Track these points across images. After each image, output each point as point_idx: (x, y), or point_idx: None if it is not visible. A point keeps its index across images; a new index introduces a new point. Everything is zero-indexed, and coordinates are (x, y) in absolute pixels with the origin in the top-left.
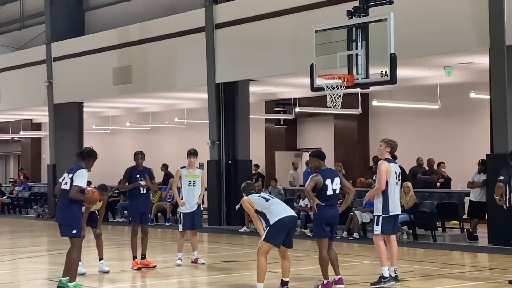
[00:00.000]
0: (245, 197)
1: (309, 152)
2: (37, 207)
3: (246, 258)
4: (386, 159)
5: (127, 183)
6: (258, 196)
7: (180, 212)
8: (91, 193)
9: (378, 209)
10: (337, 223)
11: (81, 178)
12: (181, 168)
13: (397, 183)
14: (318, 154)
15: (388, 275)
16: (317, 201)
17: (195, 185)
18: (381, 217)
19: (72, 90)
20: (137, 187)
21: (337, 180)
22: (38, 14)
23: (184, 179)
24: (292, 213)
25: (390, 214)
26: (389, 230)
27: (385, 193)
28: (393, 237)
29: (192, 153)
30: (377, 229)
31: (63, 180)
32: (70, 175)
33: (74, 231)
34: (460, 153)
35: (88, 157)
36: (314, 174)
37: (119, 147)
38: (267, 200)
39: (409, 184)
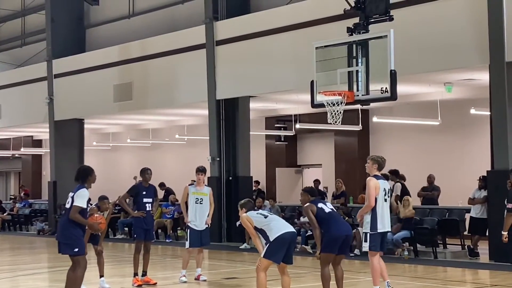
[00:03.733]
0: (244, 214)
1: (303, 188)
2: (37, 224)
3: (247, 275)
4: (375, 176)
5: (131, 197)
6: (257, 213)
7: (188, 229)
8: (97, 220)
9: (366, 226)
10: (350, 239)
11: (81, 198)
12: (189, 185)
13: (385, 200)
14: (309, 191)
15: None
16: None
17: (202, 203)
18: (368, 233)
19: (73, 106)
20: (141, 205)
21: (328, 203)
22: (39, 31)
23: (191, 196)
24: (291, 229)
25: (378, 231)
26: (376, 247)
27: (373, 210)
28: (380, 254)
29: (201, 170)
30: (365, 246)
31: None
32: (72, 194)
33: (76, 250)
34: (460, 169)
35: (83, 175)
36: (307, 205)
37: (120, 164)
38: (265, 216)
39: (409, 198)
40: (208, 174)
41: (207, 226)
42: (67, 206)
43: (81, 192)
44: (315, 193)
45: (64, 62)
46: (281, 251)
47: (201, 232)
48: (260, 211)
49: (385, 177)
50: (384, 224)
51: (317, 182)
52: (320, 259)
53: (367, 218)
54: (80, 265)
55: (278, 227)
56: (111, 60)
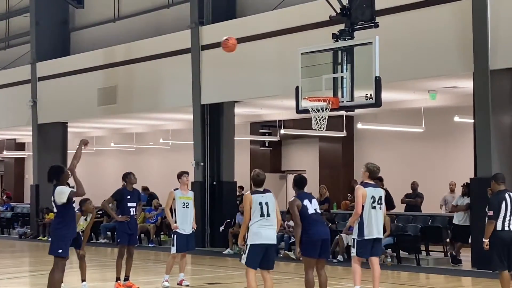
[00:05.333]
0: (249, 195)
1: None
2: (19, 228)
3: (230, 280)
4: (363, 183)
5: (115, 201)
6: (259, 203)
7: (175, 235)
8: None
9: (354, 232)
10: (329, 242)
11: (61, 194)
12: (174, 190)
13: (374, 207)
14: (298, 183)
15: None
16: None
17: (188, 207)
18: (356, 240)
19: (57, 110)
20: (126, 210)
21: (314, 201)
22: (23, 34)
23: (178, 201)
24: (270, 241)
25: (366, 237)
26: (364, 253)
27: (360, 217)
28: (374, 260)
29: (186, 173)
30: (353, 251)
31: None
32: (52, 198)
33: (60, 251)
34: (443, 176)
35: (56, 174)
36: (293, 200)
37: (104, 168)
38: (262, 215)
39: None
40: (192, 179)
41: (193, 230)
42: (55, 211)
43: (58, 189)
44: (303, 184)
45: (48, 65)
46: (257, 258)
47: (187, 237)
48: (264, 200)
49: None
50: (372, 231)
51: None
52: (304, 264)
53: (355, 226)
54: (58, 267)
55: (260, 235)
56: (95, 64)
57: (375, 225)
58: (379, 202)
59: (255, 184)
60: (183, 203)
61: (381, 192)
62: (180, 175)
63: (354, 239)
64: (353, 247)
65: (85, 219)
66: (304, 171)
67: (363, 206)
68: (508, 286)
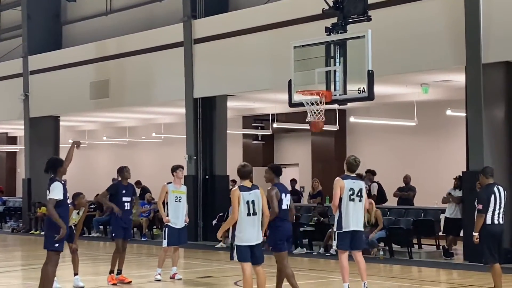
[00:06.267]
0: (238, 191)
1: (269, 165)
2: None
3: (223, 274)
4: (344, 176)
5: (110, 195)
6: (247, 202)
7: (166, 228)
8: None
9: (334, 225)
10: (291, 238)
11: (55, 190)
12: (167, 184)
13: (353, 199)
14: (276, 170)
15: None
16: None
17: (181, 201)
18: (336, 232)
19: (49, 103)
20: (120, 204)
21: (288, 196)
22: (15, 27)
23: (171, 195)
24: (255, 242)
25: (344, 230)
26: (344, 246)
27: (339, 209)
28: (357, 253)
29: (180, 167)
30: (334, 244)
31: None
32: (48, 192)
33: (56, 245)
34: (436, 170)
35: (53, 166)
36: (274, 190)
37: (96, 162)
38: (248, 214)
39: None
40: (185, 172)
41: (185, 224)
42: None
43: (54, 185)
44: (280, 173)
45: (40, 58)
46: (246, 254)
47: (179, 231)
48: (251, 198)
49: (359, 177)
50: (349, 223)
51: (293, 181)
52: (278, 260)
53: (336, 217)
54: (52, 261)
55: (246, 236)
56: (87, 57)
57: (353, 217)
58: (359, 194)
59: (242, 176)
60: (176, 197)
61: (362, 185)
62: (175, 169)
63: (334, 231)
64: (334, 239)
65: (78, 213)
66: (296, 164)
67: (341, 198)
68: (500, 278)
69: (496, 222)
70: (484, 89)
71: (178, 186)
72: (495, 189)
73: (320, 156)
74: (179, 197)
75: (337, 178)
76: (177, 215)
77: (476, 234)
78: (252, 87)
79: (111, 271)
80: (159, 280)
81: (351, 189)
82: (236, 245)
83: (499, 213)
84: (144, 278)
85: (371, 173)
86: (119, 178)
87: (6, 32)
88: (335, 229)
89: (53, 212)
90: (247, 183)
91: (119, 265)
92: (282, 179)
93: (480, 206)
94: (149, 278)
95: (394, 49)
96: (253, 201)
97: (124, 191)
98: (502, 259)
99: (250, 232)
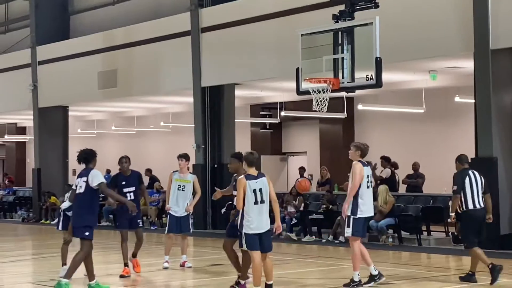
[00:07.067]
0: (244, 180)
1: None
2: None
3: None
4: (361, 162)
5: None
6: (254, 191)
7: (168, 215)
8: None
9: (349, 210)
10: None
11: (98, 175)
12: (173, 172)
13: (368, 186)
14: (239, 157)
15: (358, 280)
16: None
17: (184, 190)
18: (352, 218)
19: (57, 94)
20: (121, 196)
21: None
22: (23, 17)
23: (174, 183)
24: (264, 230)
25: (361, 216)
26: (359, 232)
27: (357, 195)
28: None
29: (181, 156)
30: (348, 231)
31: (76, 185)
32: (84, 178)
33: (87, 233)
34: (444, 156)
35: (89, 157)
36: (242, 180)
37: (105, 151)
38: (256, 202)
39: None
40: (193, 161)
41: (188, 213)
42: (79, 190)
43: (93, 172)
44: (241, 159)
45: (48, 48)
46: (255, 243)
47: (180, 219)
48: (258, 187)
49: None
50: (366, 209)
51: (302, 169)
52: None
53: (350, 204)
54: (83, 249)
55: (255, 224)
56: (95, 47)
57: (370, 203)
58: (370, 180)
59: (249, 163)
60: (179, 185)
61: (370, 171)
62: (177, 158)
63: (349, 217)
64: (348, 226)
65: None
66: (305, 153)
67: (360, 184)
68: (477, 261)
69: (478, 206)
70: (492, 75)
71: (183, 175)
72: (470, 172)
73: (328, 144)
74: (183, 185)
75: (357, 162)
76: (177, 203)
77: (452, 214)
78: (260, 75)
79: (125, 264)
80: (166, 268)
81: (368, 175)
82: (244, 233)
83: (478, 197)
84: (153, 266)
85: (385, 159)
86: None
87: (14, 22)
88: (349, 214)
89: (112, 193)
90: (253, 171)
91: (135, 249)
92: (291, 167)
93: (455, 187)
94: (159, 266)
95: (402, 36)
96: (260, 189)
97: (124, 182)
98: (498, 245)
99: (258, 220)
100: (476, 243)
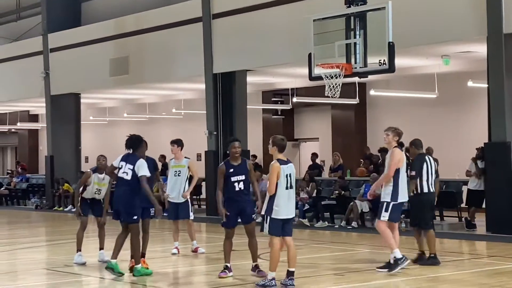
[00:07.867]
0: (278, 165)
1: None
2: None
3: (245, 248)
4: (397, 148)
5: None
6: (286, 176)
7: (169, 202)
8: None
9: (387, 196)
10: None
11: (143, 167)
12: (170, 159)
13: (406, 172)
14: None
15: (401, 256)
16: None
17: (180, 175)
18: (391, 204)
19: (69, 81)
20: None
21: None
22: (34, 5)
23: (171, 170)
24: (291, 215)
25: (400, 201)
26: (396, 217)
27: (396, 180)
28: (396, 225)
29: (173, 142)
30: (385, 216)
31: (120, 167)
32: (131, 166)
33: (135, 217)
34: (457, 142)
35: (136, 143)
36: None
37: (117, 138)
38: (287, 187)
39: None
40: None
41: (185, 199)
42: (125, 176)
43: (140, 162)
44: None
45: (59, 36)
46: (278, 228)
47: (178, 205)
48: (290, 172)
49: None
50: (404, 195)
51: (314, 155)
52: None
53: (387, 189)
54: (134, 232)
55: (283, 209)
56: (107, 34)
57: (406, 188)
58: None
59: (280, 149)
60: (175, 171)
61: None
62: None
63: (388, 202)
64: (386, 211)
65: (103, 178)
66: (317, 139)
67: (398, 170)
68: (434, 243)
69: (431, 190)
70: (506, 59)
71: (178, 161)
72: (427, 158)
73: (340, 129)
74: (178, 171)
75: (396, 148)
76: (174, 189)
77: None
78: (272, 61)
79: (142, 255)
80: (174, 254)
81: (406, 162)
82: (272, 218)
83: (433, 182)
84: (167, 252)
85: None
86: None
87: (26, 10)
88: (388, 199)
89: (148, 189)
90: (282, 157)
91: (142, 248)
92: (303, 153)
93: (413, 173)
94: (168, 253)
95: (414, 20)
96: (290, 175)
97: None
98: None
99: (287, 205)
100: (432, 225)
